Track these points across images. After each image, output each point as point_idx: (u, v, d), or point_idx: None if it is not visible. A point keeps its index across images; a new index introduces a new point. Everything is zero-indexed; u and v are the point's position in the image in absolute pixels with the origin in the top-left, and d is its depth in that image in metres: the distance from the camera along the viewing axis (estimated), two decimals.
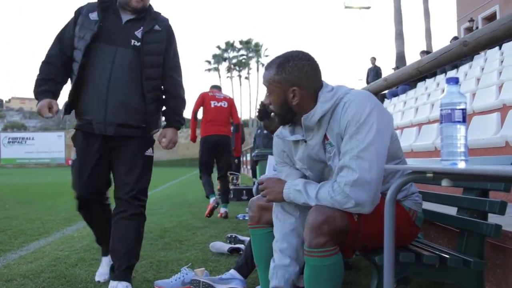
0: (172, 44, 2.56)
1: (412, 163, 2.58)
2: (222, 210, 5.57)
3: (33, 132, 46.98)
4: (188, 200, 7.75)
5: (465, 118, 1.17)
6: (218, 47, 55.57)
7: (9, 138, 43.20)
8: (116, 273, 2.37)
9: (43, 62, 2.41)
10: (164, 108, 2.61)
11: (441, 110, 1.18)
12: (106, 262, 2.62)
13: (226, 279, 2.39)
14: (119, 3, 2.42)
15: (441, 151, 1.19)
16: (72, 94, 2.38)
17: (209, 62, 55.75)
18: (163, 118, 2.66)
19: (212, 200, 5.38)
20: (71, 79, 2.42)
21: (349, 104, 1.58)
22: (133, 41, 2.37)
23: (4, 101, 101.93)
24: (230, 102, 5.90)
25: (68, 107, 2.43)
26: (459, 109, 1.16)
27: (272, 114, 1.79)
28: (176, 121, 2.60)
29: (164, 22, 2.52)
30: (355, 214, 1.58)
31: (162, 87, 2.55)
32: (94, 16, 2.36)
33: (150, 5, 2.49)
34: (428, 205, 2.08)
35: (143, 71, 2.38)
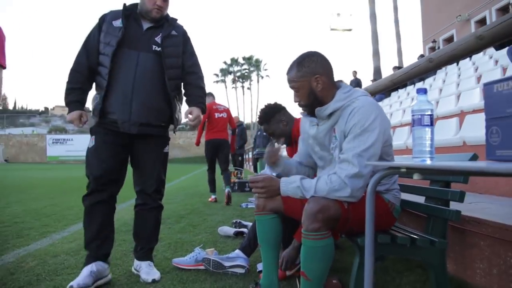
0: (188, 46, 2.41)
1: None
2: (226, 190, 5.88)
3: (72, 134, 46.83)
4: (199, 191, 7.73)
5: (433, 122, 1.17)
6: (225, 62, 55.54)
7: (53, 139, 43.20)
8: (140, 253, 2.32)
9: (72, 70, 2.22)
10: (187, 95, 2.42)
11: (412, 115, 1.18)
12: (87, 272, 2.07)
13: (232, 257, 2.38)
14: (140, 12, 2.29)
15: (412, 150, 1.18)
16: (102, 98, 2.18)
17: (217, 75, 55.68)
18: (182, 116, 2.46)
19: (213, 196, 6.09)
20: (99, 84, 2.23)
21: (357, 110, 1.60)
22: (153, 46, 2.25)
23: (49, 109, 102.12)
24: (228, 112, 6.36)
25: (101, 112, 2.20)
26: (428, 114, 1.16)
27: (303, 108, 1.80)
28: (201, 102, 2.38)
29: (180, 28, 2.39)
30: (345, 203, 1.58)
31: (183, 83, 2.40)
32: (117, 23, 2.23)
33: (167, 13, 2.36)
34: (402, 195, 2.08)
35: (166, 72, 2.25)
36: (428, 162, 1.10)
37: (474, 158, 1.64)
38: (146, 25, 2.29)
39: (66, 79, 2.21)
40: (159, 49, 2.25)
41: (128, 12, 2.27)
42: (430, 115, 1.15)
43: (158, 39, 2.27)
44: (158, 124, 2.29)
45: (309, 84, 1.69)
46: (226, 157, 6.34)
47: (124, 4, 2.30)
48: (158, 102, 2.25)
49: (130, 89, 2.17)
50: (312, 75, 1.68)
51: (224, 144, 6.21)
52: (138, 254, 2.34)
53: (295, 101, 1.78)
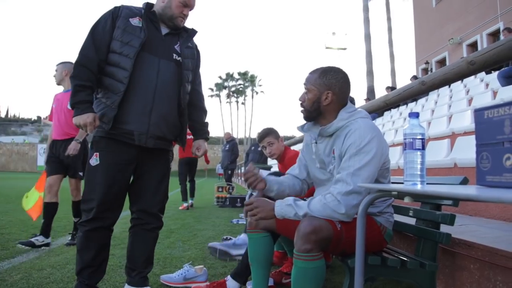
0: (199, 61, 2.28)
1: None
2: (190, 201, 7.33)
3: None
4: (193, 206, 7.66)
5: (424, 146, 1.18)
6: (220, 77, 55.84)
7: (44, 149, 42.85)
8: (137, 279, 2.07)
9: (80, 64, 1.89)
10: (191, 119, 2.27)
11: (404, 139, 1.19)
12: None
13: (239, 244, 2.33)
14: (160, 15, 2.05)
15: (404, 173, 1.19)
16: (118, 104, 1.90)
17: (212, 90, 55.89)
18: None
19: (185, 204, 7.15)
20: (109, 88, 1.94)
21: (353, 131, 1.63)
22: (174, 55, 2.06)
23: (42, 118, 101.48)
24: None
25: (113, 120, 1.91)
26: (419, 138, 1.17)
27: (302, 109, 1.83)
28: (206, 132, 2.31)
29: (193, 40, 2.22)
30: (338, 224, 1.57)
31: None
32: (136, 22, 1.97)
33: None
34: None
35: (183, 85, 2.08)
36: (419, 186, 1.11)
37: (465, 181, 1.66)
38: (164, 30, 2.08)
39: (72, 74, 1.91)
40: (179, 58, 2.08)
41: (149, 12, 2.05)
42: (422, 139, 1.17)
43: (177, 47, 2.09)
44: (170, 139, 2.13)
45: (320, 94, 1.74)
46: (194, 171, 7.55)
47: (148, 3, 2.08)
48: (174, 115, 2.08)
49: (151, 98, 1.95)
50: (326, 88, 1.73)
51: (194, 161, 7.38)
52: (134, 280, 2.07)
53: (300, 99, 1.81)
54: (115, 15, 1.98)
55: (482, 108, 1.13)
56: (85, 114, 1.84)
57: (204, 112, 2.32)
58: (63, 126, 3.67)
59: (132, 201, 2.11)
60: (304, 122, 1.89)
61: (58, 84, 3.77)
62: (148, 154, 2.04)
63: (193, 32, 2.20)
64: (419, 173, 1.15)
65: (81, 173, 3.69)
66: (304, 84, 1.81)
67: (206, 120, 2.34)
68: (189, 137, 2.30)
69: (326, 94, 1.73)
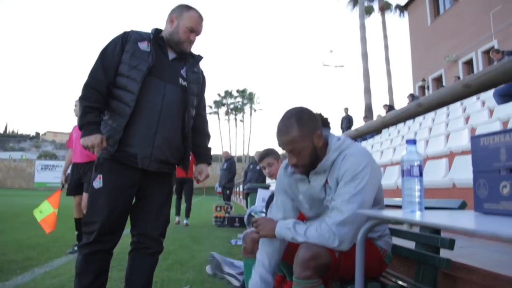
0: (205, 86, 2.31)
1: None
2: (185, 221, 7.70)
3: (62, 161, 46.36)
4: (189, 225, 7.60)
5: (422, 173, 1.19)
6: (218, 95, 56.08)
7: (42, 165, 42.61)
8: None
9: (89, 86, 1.93)
10: (194, 144, 2.28)
11: (402, 165, 1.20)
12: None
13: (236, 266, 2.31)
14: (167, 40, 2.09)
15: (402, 200, 1.19)
16: (124, 127, 1.93)
17: (210, 107, 56.03)
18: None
19: (177, 218, 7.74)
20: (115, 110, 1.97)
21: (349, 156, 1.59)
22: (180, 79, 2.09)
23: (40, 134, 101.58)
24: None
25: (119, 143, 1.93)
26: (417, 165, 1.18)
27: (298, 169, 1.67)
28: (209, 157, 2.31)
29: (199, 65, 2.26)
30: (336, 252, 1.56)
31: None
32: (144, 46, 2.01)
33: None
34: (392, 239, 2.07)
35: (188, 109, 2.11)
36: (418, 214, 1.11)
37: (463, 205, 1.66)
38: (171, 55, 2.12)
39: (80, 95, 1.94)
40: (185, 83, 2.11)
41: (157, 37, 2.09)
42: (419, 165, 1.18)
43: (183, 72, 2.13)
44: (173, 163, 2.14)
45: (312, 142, 1.61)
46: (191, 190, 7.93)
47: (156, 29, 2.14)
48: (178, 139, 2.09)
49: (156, 122, 1.97)
50: (314, 131, 1.61)
51: (187, 180, 7.72)
52: None
53: (292, 163, 1.65)
54: (124, 39, 2.02)
55: (478, 136, 1.14)
56: (93, 135, 1.87)
57: (207, 137, 2.34)
58: (85, 151, 3.84)
59: (133, 224, 2.10)
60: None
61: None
62: (150, 177, 2.04)
63: (199, 57, 2.24)
64: (417, 200, 1.15)
65: None
66: (289, 149, 1.62)
67: (209, 145, 2.35)
68: None
69: (317, 136, 1.62)
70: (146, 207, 2.07)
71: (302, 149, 1.60)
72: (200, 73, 2.26)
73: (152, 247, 2.08)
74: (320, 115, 1.76)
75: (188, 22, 2.07)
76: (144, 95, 1.96)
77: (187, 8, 2.11)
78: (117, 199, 1.95)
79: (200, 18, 2.12)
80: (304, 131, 1.59)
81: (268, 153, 3.15)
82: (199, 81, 2.23)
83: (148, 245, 2.07)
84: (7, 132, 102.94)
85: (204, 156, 2.30)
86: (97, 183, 1.96)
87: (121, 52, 1.99)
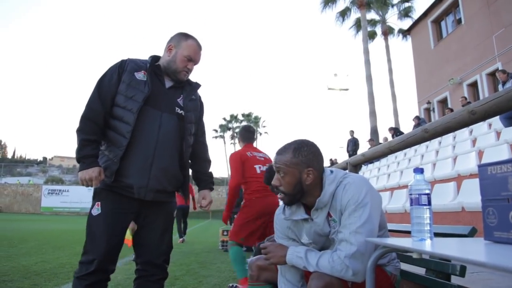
0: (203, 112, 2.28)
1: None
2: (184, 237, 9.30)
3: (68, 186, 46.57)
4: (195, 250, 7.54)
5: (430, 202, 1.20)
6: (224, 119, 56.40)
7: (49, 190, 42.75)
8: None
9: (86, 118, 1.92)
10: (195, 170, 2.30)
11: (410, 194, 1.21)
12: None
13: None
14: (165, 68, 2.08)
15: (411, 228, 1.20)
16: (121, 158, 1.92)
17: (216, 131, 56.35)
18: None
19: (180, 239, 9.15)
20: (112, 141, 1.96)
21: (349, 186, 1.58)
22: (177, 108, 2.07)
23: (48, 159, 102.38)
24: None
25: (115, 174, 1.92)
26: (425, 194, 1.19)
27: (280, 195, 1.67)
28: (211, 183, 2.31)
29: (197, 92, 2.26)
30: (349, 282, 1.55)
31: (191, 152, 2.24)
32: (140, 76, 2.00)
33: None
34: (402, 265, 2.05)
35: (186, 138, 2.09)
36: (427, 242, 1.11)
37: (473, 232, 1.65)
38: (168, 83, 2.11)
39: (77, 128, 1.92)
40: (182, 112, 2.09)
41: (154, 66, 2.08)
42: (427, 194, 1.19)
43: (180, 101, 2.11)
44: (172, 191, 2.12)
45: (300, 174, 1.60)
46: (187, 213, 9.70)
47: (153, 57, 2.13)
48: (175, 168, 2.07)
49: (152, 152, 1.95)
50: (306, 166, 1.60)
51: (186, 208, 9.27)
52: None
53: (275, 184, 1.65)
54: (121, 69, 2.00)
55: (485, 164, 1.16)
56: (91, 169, 1.86)
57: (208, 162, 2.33)
58: None
59: (137, 253, 2.09)
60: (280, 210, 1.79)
61: None
62: (149, 206, 2.03)
63: (197, 85, 2.24)
64: (426, 228, 1.15)
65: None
66: (276, 166, 1.64)
67: (210, 170, 2.34)
68: None
69: (307, 172, 1.60)
70: (147, 235, 2.06)
71: (287, 174, 1.61)
72: (198, 100, 2.25)
73: (157, 274, 2.07)
74: (331, 160, 1.77)
75: (186, 51, 2.07)
76: (140, 125, 1.94)
77: (185, 36, 2.11)
78: (116, 224, 1.93)
79: (198, 47, 2.12)
80: (295, 159, 1.60)
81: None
82: (197, 109, 2.21)
83: (152, 272, 2.05)
84: (15, 157, 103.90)
85: (206, 181, 2.30)
86: (96, 210, 1.94)
87: (118, 82, 1.98)
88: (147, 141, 1.96)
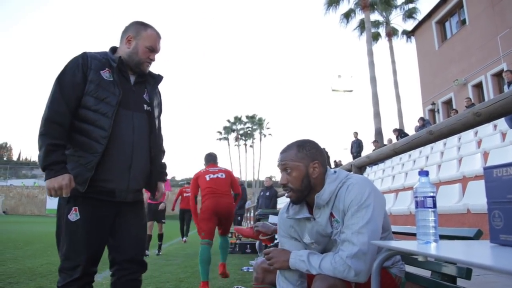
0: (162, 104, 2.22)
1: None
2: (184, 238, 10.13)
3: None
4: (186, 242, 7.55)
5: (435, 204, 1.19)
6: (228, 121, 56.43)
7: None
8: None
9: (50, 121, 1.74)
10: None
11: (415, 197, 1.21)
12: None
13: None
14: (126, 61, 1.98)
15: (416, 231, 1.19)
16: (96, 164, 1.80)
17: (220, 133, 56.37)
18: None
19: (184, 238, 10.00)
20: (82, 147, 1.82)
21: (352, 186, 1.59)
22: (144, 105, 2.01)
23: None
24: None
25: (87, 181, 1.80)
26: (430, 196, 1.19)
27: (288, 193, 1.69)
28: (165, 174, 2.28)
29: (157, 82, 2.17)
30: (352, 283, 1.55)
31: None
32: (107, 75, 1.88)
33: None
34: (406, 267, 2.04)
35: (154, 133, 2.05)
36: (433, 245, 1.11)
37: (479, 234, 1.64)
38: (132, 78, 2.02)
39: (41, 131, 1.73)
40: (149, 108, 2.04)
41: (119, 63, 1.95)
42: (433, 197, 1.18)
43: (146, 96, 2.05)
44: (141, 189, 2.08)
45: (306, 168, 1.64)
46: (190, 217, 10.03)
47: (113, 49, 2.03)
48: (147, 165, 2.04)
49: (130, 155, 1.90)
50: (311, 160, 1.65)
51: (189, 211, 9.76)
52: None
53: (282, 183, 1.67)
54: (85, 67, 1.85)
55: (491, 167, 1.15)
56: (60, 176, 1.70)
57: (163, 153, 2.27)
58: None
59: (115, 252, 1.97)
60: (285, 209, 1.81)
61: None
62: (126, 207, 1.97)
63: (159, 77, 2.16)
64: (432, 231, 1.15)
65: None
66: (282, 164, 1.67)
67: (164, 161, 2.28)
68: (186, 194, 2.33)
69: (313, 166, 1.64)
70: (128, 233, 1.98)
71: (294, 169, 1.65)
72: (159, 92, 2.20)
73: (140, 271, 2.02)
74: (323, 149, 1.79)
75: (147, 41, 1.98)
76: (116, 129, 1.85)
77: (144, 26, 2.01)
78: (98, 230, 1.86)
79: (158, 36, 2.04)
80: (300, 154, 1.66)
81: None
82: (160, 102, 2.18)
83: (136, 269, 1.99)
84: (20, 159, 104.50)
85: (161, 173, 2.22)
86: (74, 215, 1.81)
87: (84, 81, 1.83)
88: (123, 145, 1.88)
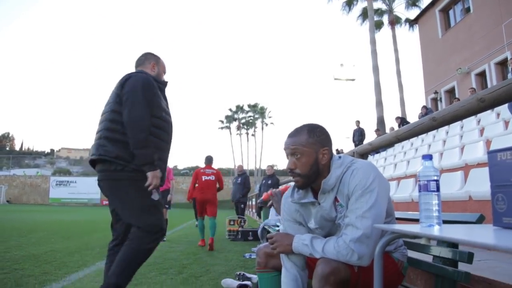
0: None
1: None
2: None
3: (76, 177, 47.03)
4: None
5: (439, 188, 1.20)
6: (230, 110, 56.35)
7: (56, 181, 43.22)
8: None
9: (147, 126, 2.32)
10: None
11: (419, 181, 1.21)
12: None
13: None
14: (159, 82, 2.62)
15: (420, 215, 1.20)
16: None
17: (222, 122, 56.35)
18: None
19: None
20: (156, 146, 2.41)
21: (357, 171, 1.58)
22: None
23: (55, 151, 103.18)
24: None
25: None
26: (433, 180, 1.19)
27: (295, 178, 1.67)
28: None
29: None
30: (355, 266, 1.55)
31: None
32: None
33: None
34: (409, 252, 2.06)
35: None
36: (436, 228, 1.12)
37: (481, 219, 1.65)
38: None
39: (145, 144, 2.29)
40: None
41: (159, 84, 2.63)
42: (436, 180, 1.18)
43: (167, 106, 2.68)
44: None
45: (316, 154, 1.62)
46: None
47: (165, 80, 2.75)
48: None
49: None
50: (321, 146, 1.63)
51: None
52: None
53: (290, 167, 1.64)
54: (157, 89, 2.51)
55: (495, 150, 1.15)
56: (157, 171, 2.33)
57: None
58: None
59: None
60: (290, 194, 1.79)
61: None
62: None
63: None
64: (435, 214, 1.15)
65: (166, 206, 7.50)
66: (291, 148, 1.64)
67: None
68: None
69: (323, 152, 1.63)
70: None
71: (304, 155, 1.62)
72: None
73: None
74: (337, 150, 1.78)
75: (163, 68, 2.75)
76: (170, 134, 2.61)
77: (158, 57, 2.76)
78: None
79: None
80: (311, 139, 1.63)
81: None
82: None
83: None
84: (23, 149, 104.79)
85: None
86: (156, 195, 2.39)
87: (159, 98, 2.49)
88: (169, 144, 2.60)
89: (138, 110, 2.28)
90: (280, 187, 3.24)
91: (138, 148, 2.26)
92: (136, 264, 2.32)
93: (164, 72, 2.73)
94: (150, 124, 2.32)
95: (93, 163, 2.45)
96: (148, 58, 2.68)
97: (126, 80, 2.40)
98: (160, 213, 2.42)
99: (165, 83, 2.67)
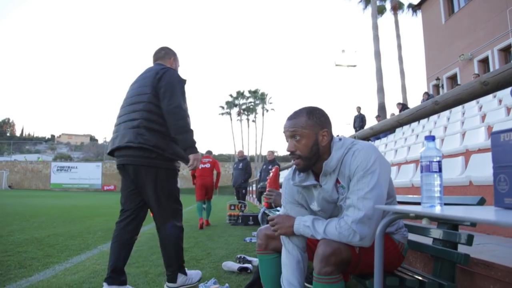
0: None
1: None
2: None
3: (77, 162, 47.12)
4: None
5: (441, 168, 1.20)
6: (231, 95, 56.08)
7: (58, 167, 43.38)
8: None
9: (188, 116, 2.59)
10: None
11: (421, 161, 1.21)
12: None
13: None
14: None
15: (421, 195, 1.20)
16: None
17: (223, 108, 56.19)
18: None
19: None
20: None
21: (358, 152, 1.57)
22: None
23: (55, 136, 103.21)
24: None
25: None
26: (436, 161, 1.19)
27: (296, 160, 1.67)
28: None
29: None
30: (356, 247, 1.56)
31: None
32: None
33: None
34: (409, 235, 2.07)
35: None
36: (437, 208, 1.12)
37: (482, 201, 1.65)
38: None
39: (189, 128, 2.57)
40: None
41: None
42: (438, 161, 1.18)
43: None
44: None
45: (316, 136, 1.62)
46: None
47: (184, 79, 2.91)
48: None
49: None
50: (321, 128, 1.63)
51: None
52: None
53: (291, 150, 1.64)
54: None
55: (498, 131, 1.15)
56: (198, 153, 2.63)
57: None
58: None
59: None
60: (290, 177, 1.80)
61: None
62: None
63: None
64: (437, 195, 1.16)
65: None
66: (291, 130, 1.63)
67: None
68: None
69: (323, 133, 1.63)
70: None
71: (304, 136, 1.62)
72: None
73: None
74: (338, 135, 1.78)
75: (179, 62, 3.02)
76: None
77: (175, 52, 2.99)
78: None
79: None
80: (311, 121, 1.62)
81: None
82: None
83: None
84: (24, 135, 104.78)
85: None
86: (177, 182, 2.77)
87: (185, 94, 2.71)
88: None
89: (177, 101, 2.53)
90: (268, 178, 3.71)
91: (180, 133, 2.51)
92: (181, 243, 2.78)
93: (179, 67, 2.97)
94: (187, 114, 2.57)
95: (116, 149, 2.64)
96: (168, 53, 2.92)
97: (162, 75, 2.62)
98: (179, 198, 2.81)
99: (185, 81, 2.81)
